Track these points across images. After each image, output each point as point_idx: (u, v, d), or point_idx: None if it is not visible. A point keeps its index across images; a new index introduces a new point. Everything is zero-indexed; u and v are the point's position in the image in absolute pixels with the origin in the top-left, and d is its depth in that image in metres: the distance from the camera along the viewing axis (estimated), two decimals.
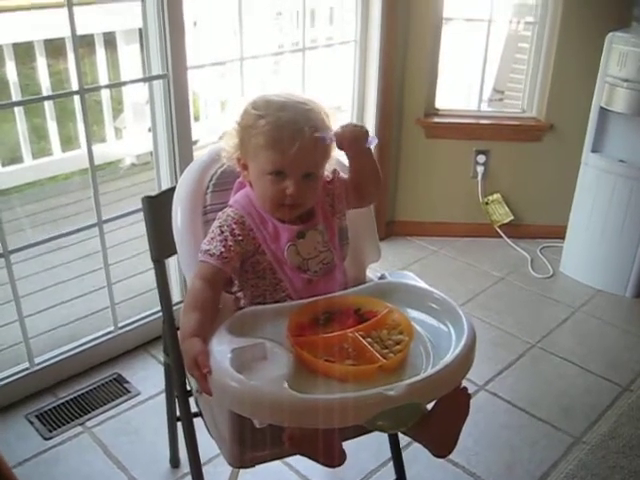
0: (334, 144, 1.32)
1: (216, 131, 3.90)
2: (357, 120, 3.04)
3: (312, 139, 1.28)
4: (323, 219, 1.40)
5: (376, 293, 1.36)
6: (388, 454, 1.81)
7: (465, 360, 1.19)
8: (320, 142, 1.29)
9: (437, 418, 1.22)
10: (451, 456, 1.94)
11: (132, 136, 4.20)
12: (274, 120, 1.28)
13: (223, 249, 1.30)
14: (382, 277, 1.48)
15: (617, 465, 1.96)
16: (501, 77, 4.66)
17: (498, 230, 3.26)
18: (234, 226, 1.33)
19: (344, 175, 1.44)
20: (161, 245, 1.52)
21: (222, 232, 1.32)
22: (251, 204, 1.36)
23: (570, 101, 3.02)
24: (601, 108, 2.74)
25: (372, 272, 1.56)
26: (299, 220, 1.36)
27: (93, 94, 4.10)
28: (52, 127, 3.87)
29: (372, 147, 1.37)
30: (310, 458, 1.22)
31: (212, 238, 1.32)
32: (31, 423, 2.08)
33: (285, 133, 1.27)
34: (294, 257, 1.34)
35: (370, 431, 1.33)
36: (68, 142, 4.09)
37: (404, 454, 1.80)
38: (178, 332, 1.46)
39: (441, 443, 1.29)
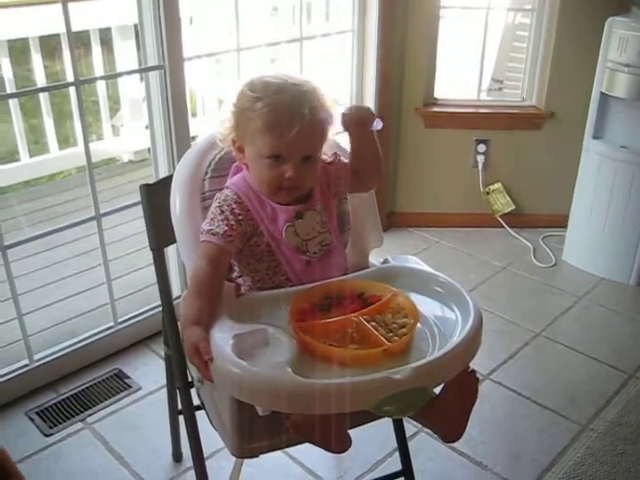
0: (333, 126, 1.30)
1: (214, 127, 3.88)
2: None
3: (310, 122, 1.26)
4: (321, 200, 1.38)
5: (380, 277, 1.34)
6: (393, 444, 1.79)
7: (472, 342, 1.17)
8: (375, 129, 1.30)
9: (445, 402, 1.20)
10: (457, 445, 1.95)
11: (129, 133, 4.18)
12: (272, 103, 1.25)
13: (226, 228, 1.28)
14: (385, 262, 1.46)
15: (625, 452, 1.94)
16: (500, 66, 4.64)
17: (499, 220, 3.23)
18: (234, 205, 1.31)
19: (345, 159, 1.42)
20: (160, 234, 1.49)
21: (222, 212, 1.30)
22: (248, 186, 1.34)
23: (570, 88, 3.00)
24: (602, 94, 2.72)
25: (374, 258, 1.53)
26: (297, 201, 1.34)
27: (90, 94, 4.08)
28: (49, 125, 3.84)
29: (377, 129, 1.35)
30: (315, 444, 1.20)
31: (212, 219, 1.30)
32: (31, 420, 2.05)
33: (283, 117, 1.25)
34: (293, 238, 1.33)
35: (375, 418, 1.32)
36: (65, 141, 4.07)
37: (410, 444, 1.78)
38: (178, 323, 1.45)
39: (450, 428, 1.27)
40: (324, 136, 1.32)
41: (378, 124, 1.34)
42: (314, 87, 1.30)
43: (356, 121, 1.32)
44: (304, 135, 1.26)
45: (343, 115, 1.30)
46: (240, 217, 1.30)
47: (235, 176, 1.38)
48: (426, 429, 1.84)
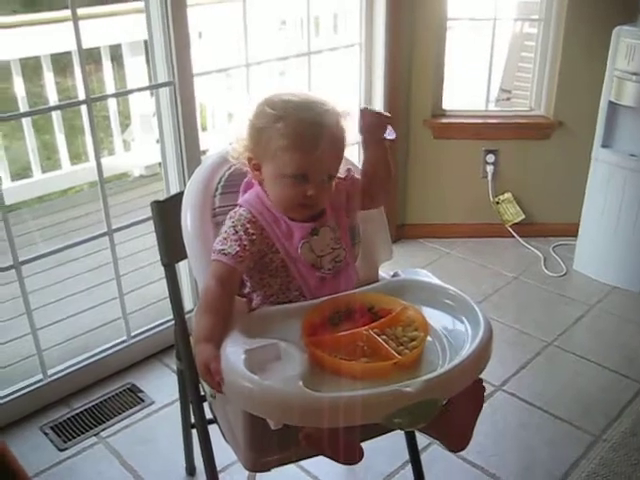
0: (346, 141, 1.32)
1: (224, 141, 3.90)
2: None
3: (333, 141, 1.28)
4: (334, 216, 1.39)
5: (389, 291, 1.35)
6: (405, 457, 1.79)
7: (482, 354, 1.17)
8: (389, 137, 1.32)
9: (452, 411, 1.20)
10: (469, 457, 1.94)
11: (140, 148, 4.21)
12: (295, 122, 1.26)
13: (238, 248, 1.28)
14: (395, 275, 1.46)
15: (639, 462, 1.93)
16: (508, 76, 4.65)
17: (510, 230, 3.23)
18: (248, 225, 1.31)
19: (357, 176, 1.43)
20: (171, 249, 1.51)
21: (236, 232, 1.30)
22: (261, 203, 1.34)
23: (578, 97, 3.00)
24: (610, 102, 2.72)
25: (384, 271, 1.54)
26: (311, 218, 1.35)
27: (101, 110, 4.12)
28: (60, 140, 3.88)
29: (391, 138, 1.35)
30: (327, 457, 1.20)
31: (225, 238, 1.31)
32: (46, 434, 2.07)
33: (308, 136, 1.26)
34: (308, 254, 1.33)
35: (387, 431, 1.32)
36: (77, 157, 4.11)
37: (422, 456, 1.78)
38: (191, 337, 1.46)
39: (457, 437, 1.27)
40: (342, 154, 1.33)
41: (391, 133, 1.34)
42: (333, 106, 1.31)
43: (369, 123, 1.33)
44: (328, 154, 1.28)
45: (362, 111, 1.31)
46: (254, 237, 1.31)
47: (247, 194, 1.38)
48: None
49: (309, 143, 1.25)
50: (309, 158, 1.26)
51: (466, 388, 1.17)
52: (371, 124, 1.34)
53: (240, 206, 1.36)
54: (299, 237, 1.33)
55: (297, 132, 1.25)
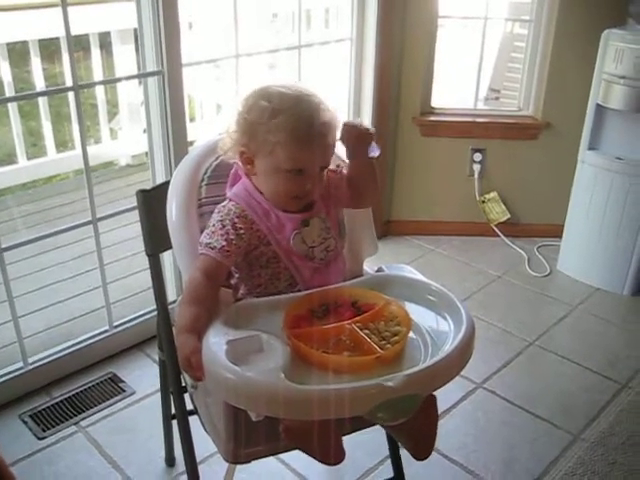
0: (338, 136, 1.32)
1: (212, 132, 3.89)
2: (353, 119, 3.03)
3: (328, 134, 1.29)
4: (324, 207, 1.39)
5: (373, 285, 1.35)
6: (385, 452, 1.79)
7: (464, 351, 1.17)
8: (373, 155, 1.32)
9: (410, 425, 1.20)
10: (450, 454, 1.96)
11: (127, 137, 4.19)
12: (293, 117, 1.25)
13: (225, 243, 1.28)
14: (379, 270, 1.46)
15: (616, 462, 1.95)
16: (497, 76, 4.67)
17: (495, 229, 3.25)
18: (236, 220, 1.30)
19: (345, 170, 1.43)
20: (156, 239, 1.50)
21: (224, 226, 1.30)
22: (251, 196, 1.34)
23: (566, 99, 3.02)
24: (597, 105, 2.74)
25: (369, 266, 1.54)
26: (301, 209, 1.35)
27: (89, 98, 4.09)
28: (47, 128, 3.85)
29: (375, 155, 1.36)
30: (307, 453, 1.20)
31: (213, 232, 1.30)
32: (25, 423, 2.05)
33: (306, 131, 1.26)
34: (300, 245, 1.33)
35: (367, 425, 1.32)
36: (63, 144, 4.08)
37: (402, 452, 1.78)
38: (173, 328, 1.45)
39: (418, 448, 1.29)
40: (335, 147, 1.34)
41: (375, 150, 1.35)
42: (322, 98, 1.31)
43: (355, 135, 1.33)
44: (324, 147, 1.29)
45: (344, 125, 1.31)
46: (242, 231, 1.30)
47: (235, 187, 1.37)
48: None
49: (307, 138, 1.26)
50: (307, 153, 1.26)
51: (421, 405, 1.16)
52: (354, 138, 1.33)
53: (230, 200, 1.35)
54: (290, 229, 1.32)
55: (295, 128, 1.25)
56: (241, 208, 1.32)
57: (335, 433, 1.19)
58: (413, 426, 1.22)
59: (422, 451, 1.29)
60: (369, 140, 1.34)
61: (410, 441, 1.30)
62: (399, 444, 1.37)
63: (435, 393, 1.22)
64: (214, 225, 1.31)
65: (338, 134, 1.33)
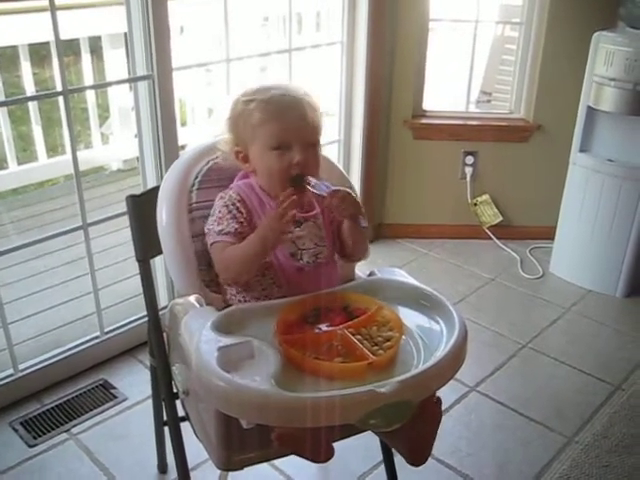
0: (323, 120, 1.36)
1: (204, 136, 3.88)
2: (345, 122, 3.03)
3: (306, 107, 1.32)
4: (323, 215, 1.40)
5: (365, 290, 1.35)
6: (379, 457, 1.79)
7: (457, 356, 1.17)
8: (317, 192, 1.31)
9: (409, 428, 1.19)
10: (443, 457, 1.95)
11: (118, 142, 4.17)
12: (266, 97, 1.32)
13: (237, 225, 1.32)
14: (371, 274, 1.46)
15: (610, 464, 1.95)
16: (488, 78, 4.68)
17: (487, 231, 3.25)
18: (238, 204, 1.34)
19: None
20: (146, 245, 1.49)
21: (229, 211, 1.34)
22: (251, 187, 1.37)
23: (557, 101, 3.02)
24: (589, 108, 2.74)
25: (361, 270, 1.54)
26: (297, 208, 1.35)
27: (80, 102, 4.07)
28: (37, 132, 3.83)
29: (364, 225, 1.37)
30: (298, 455, 1.19)
31: (220, 218, 1.33)
32: (15, 430, 2.03)
33: (280, 104, 1.31)
34: (288, 244, 1.34)
35: (361, 431, 1.31)
36: (54, 149, 4.06)
37: (395, 457, 1.78)
38: (164, 334, 1.45)
39: (415, 452, 1.27)
40: (320, 123, 1.36)
41: (363, 222, 1.36)
42: (301, 87, 1.37)
43: (341, 206, 1.31)
44: (302, 119, 1.32)
45: (329, 194, 1.29)
46: (245, 215, 1.34)
47: (241, 180, 1.41)
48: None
49: (282, 111, 1.31)
50: (285, 125, 1.30)
51: (423, 406, 1.16)
52: (339, 207, 1.31)
53: (230, 189, 1.38)
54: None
55: (269, 105, 1.31)
56: (240, 196, 1.36)
57: (326, 433, 1.19)
58: (411, 431, 1.22)
59: (418, 457, 1.29)
60: (359, 210, 1.34)
61: (406, 447, 1.29)
62: (395, 449, 1.36)
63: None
64: (220, 212, 1.34)
65: (322, 118, 1.36)
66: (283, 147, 1.31)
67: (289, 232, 1.32)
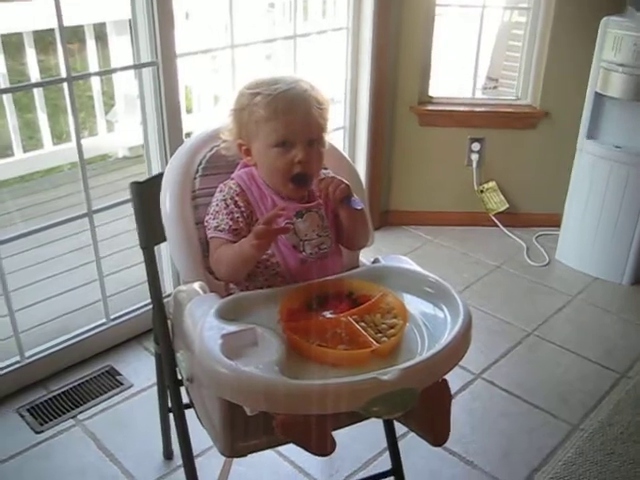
0: (329, 114, 1.34)
1: (209, 123, 3.87)
2: (350, 109, 3.02)
3: (310, 104, 1.30)
4: (325, 204, 1.39)
5: (370, 277, 1.34)
6: (383, 444, 1.79)
7: (461, 343, 1.17)
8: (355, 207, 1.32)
9: (420, 411, 1.19)
10: (448, 445, 1.92)
11: (124, 129, 4.17)
12: (271, 92, 1.29)
13: (231, 222, 1.32)
14: (376, 261, 1.45)
15: (615, 452, 1.95)
16: (495, 64, 4.64)
17: (493, 218, 3.23)
18: (236, 198, 1.34)
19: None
20: (150, 232, 1.48)
21: (227, 205, 1.33)
22: (252, 179, 1.37)
23: (565, 87, 3.00)
24: (596, 94, 2.72)
25: (365, 257, 1.53)
26: (299, 199, 1.36)
27: (85, 90, 4.06)
28: (43, 120, 3.82)
29: (357, 208, 1.35)
30: (300, 446, 1.19)
31: (217, 211, 1.34)
32: (22, 417, 2.05)
33: (284, 101, 1.29)
34: (290, 235, 1.34)
35: (364, 418, 1.31)
36: (59, 136, 4.05)
37: (400, 443, 1.78)
38: (168, 321, 1.45)
39: (434, 433, 1.28)
40: (325, 120, 1.34)
41: (358, 204, 1.34)
42: (310, 81, 1.35)
43: (333, 188, 1.32)
44: (307, 117, 1.30)
45: (319, 181, 1.32)
46: (242, 209, 1.33)
47: (242, 170, 1.40)
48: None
49: (286, 108, 1.29)
50: (287, 123, 1.29)
51: (431, 390, 1.15)
52: (330, 192, 1.32)
53: (231, 178, 1.38)
54: (283, 217, 1.32)
55: (273, 100, 1.29)
56: (240, 187, 1.35)
57: (328, 425, 1.19)
58: (427, 413, 1.23)
59: (439, 437, 1.29)
60: (346, 192, 1.33)
61: (425, 429, 1.30)
62: (414, 432, 1.36)
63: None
64: (217, 205, 1.35)
65: (329, 112, 1.35)
66: (286, 144, 1.30)
67: (290, 224, 1.33)
